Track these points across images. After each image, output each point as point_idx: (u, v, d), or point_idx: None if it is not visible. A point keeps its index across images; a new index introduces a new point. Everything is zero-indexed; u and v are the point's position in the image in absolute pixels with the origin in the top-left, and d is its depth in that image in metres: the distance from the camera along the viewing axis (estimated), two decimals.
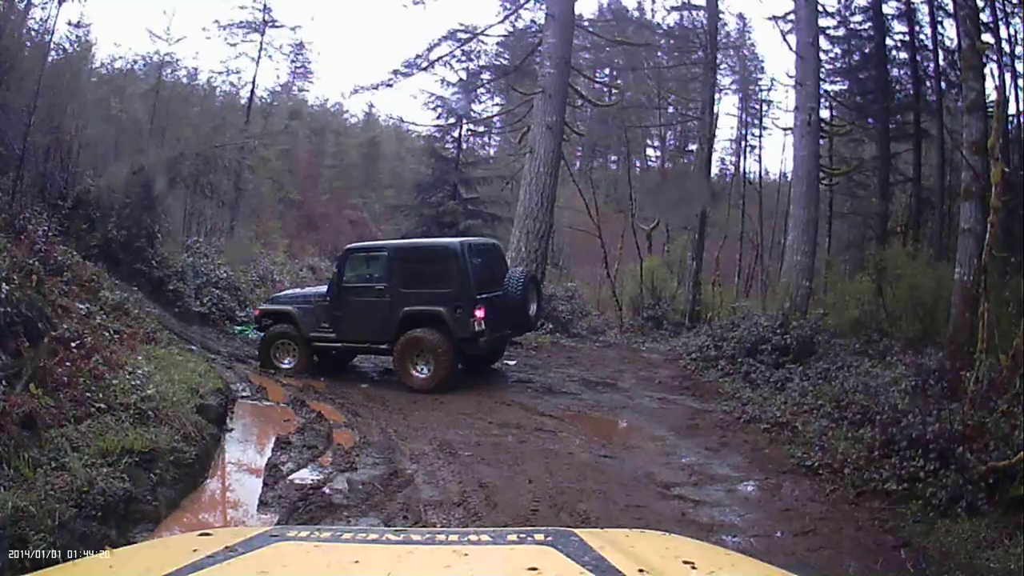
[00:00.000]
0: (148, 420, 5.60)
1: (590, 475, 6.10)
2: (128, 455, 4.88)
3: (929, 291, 9.46)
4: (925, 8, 14.41)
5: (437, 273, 9.06)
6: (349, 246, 10.29)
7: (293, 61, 26.92)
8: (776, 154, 60.10)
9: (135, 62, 18.25)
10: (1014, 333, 6.22)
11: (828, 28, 15.47)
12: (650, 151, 29.41)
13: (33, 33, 12.01)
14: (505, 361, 10.74)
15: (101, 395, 5.59)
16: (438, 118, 22.33)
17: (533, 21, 19.49)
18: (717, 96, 18.40)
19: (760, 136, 26.12)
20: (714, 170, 21.83)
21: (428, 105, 21.86)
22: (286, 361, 9.78)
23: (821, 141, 13.40)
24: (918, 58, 14.72)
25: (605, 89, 24.40)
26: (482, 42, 19.73)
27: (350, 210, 26.39)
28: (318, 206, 26.25)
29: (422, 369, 9.00)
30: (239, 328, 12.35)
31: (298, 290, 11.37)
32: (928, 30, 14.41)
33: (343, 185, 28.33)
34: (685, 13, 19.02)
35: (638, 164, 28.56)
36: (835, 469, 6.04)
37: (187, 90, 20.19)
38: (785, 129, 20.85)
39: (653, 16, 25.23)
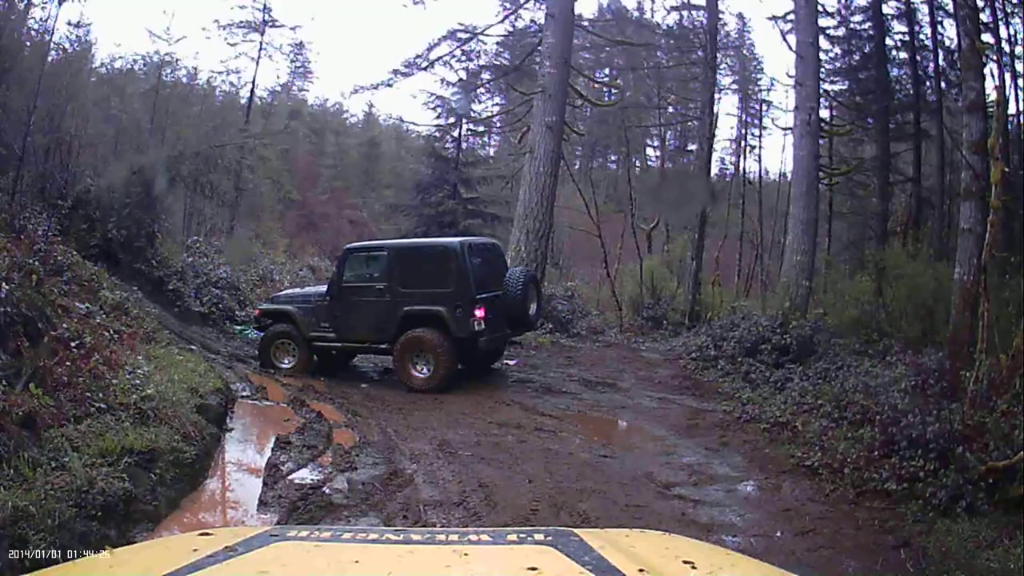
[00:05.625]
0: (148, 420, 5.60)
1: (590, 475, 6.09)
2: (128, 455, 4.87)
3: (929, 291, 9.44)
4: (925, 8, 14.42)
5: (437, 273, 9.06)
6: (349, 246, 10.29)
7: (293, 61, 26.99)
8: (776, 154, 60.21)
9: (135, 62, 18.20)
10: (1014, 333, 6.22)
11: (828, 28, 15.48)
12: (650, 151, 29.43)
13: (33, 33, 12.03)
14: (505, 361, 10.74)
15: (101, 395, 5.59)
16: (438, 118, 22.36)
17: (533, 21, 19.51)
18: (717, 96, 18.39)
19: (760, 136, 26.11)
20: (714, 170, 21.85)
21: (428, 105, 21.91)
22: (286, 361, 9.77)
23: (821, 141, 13.40)
24: (918, 58, 14.71)
25: (605, 89, 24.40)
26: (482, 42, 19.76)
27: (350, 210, 26.41)
28: (318, 206, 26.26)
29: (422, 369, 9.00)
30: (239, 328, 12.34)
31: (298, 290, 11.36)
32: (928, 30, 14.43)
33: (343, 185, 28.35)
34: (685, 13, 18.97)
35: (638, 164, 28.56)
36: (835, 469, 6.04)
37: (187, 90, 20.15)
38: (785, 129, 20.90)
39: (653, 16, 25.23)
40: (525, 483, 5.77)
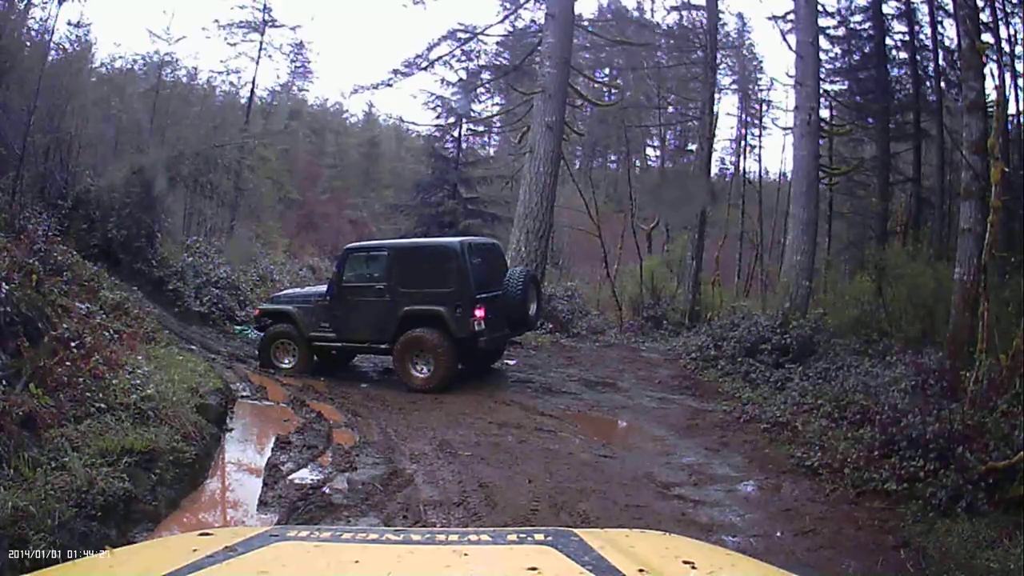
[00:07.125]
0: (148, 420, 5.60)
1: (590, 475, 6.09)
2: (128, 455, 4.87)
3: (929, 291, 9.44)
4: (925, 8, 14.43)
5: (437, 273, 9.06)
6: (349, 246, 10.29)
7: (293, 61, 27.02)
8: (776, 154, 60.22)
9: (135, 62, 18.23)
10: (1014, 333, 6.22)
11: (828, 28, 15.49)
12: (650, 151, 29.38)
13: (33, 33, 12.05)
14: (505, 361, 10.74)
15: (101, 395, 5.58)
16: (438, 118, 22.39)
17: (533, 21, 19.55)
18: (717, 96, 18.37)
19: (760, 136, 26.09)
20: (714, 170, 21.88)
21: (428, 105, 21.96)
22: (286, 361, 9.77)
23: (821, 141, 13.39)
24: (918, 58, 14.72)
25: (605, 89, 24.41)
26: (482, 42, 19.80)
27: (350, 210, 26.42)
28: (318, 206, 26.28)
29: (422, 369, 9.00)
30: (239, 328, 12.34)
31: (298, 290, 11.36)
32: (928, 30, 14.44)
33: (343, 185, 28.35)
34: (685, 13, 19.01)
35: (638, 164, 28.53)
36: (835, 469, 6.04)
37: (187, 90, 20.17)
38: (785, 129, 20.89)
39: (653, 16, 25.22)
40: (525, 483, 5.77)
